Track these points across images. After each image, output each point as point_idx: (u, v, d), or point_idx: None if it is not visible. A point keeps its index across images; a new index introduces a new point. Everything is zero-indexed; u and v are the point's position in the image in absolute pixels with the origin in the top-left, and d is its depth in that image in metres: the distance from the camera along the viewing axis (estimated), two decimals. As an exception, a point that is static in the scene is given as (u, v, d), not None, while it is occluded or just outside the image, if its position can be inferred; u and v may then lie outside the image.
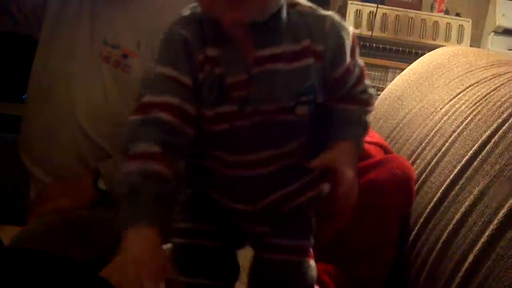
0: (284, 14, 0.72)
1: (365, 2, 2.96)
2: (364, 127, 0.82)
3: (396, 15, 2.89)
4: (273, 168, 0.76)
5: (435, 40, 2.85)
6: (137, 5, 1.20)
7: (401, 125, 1.26)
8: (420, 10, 2.94)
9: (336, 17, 0.76)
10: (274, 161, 0.76)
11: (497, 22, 2.91)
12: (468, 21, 2.91)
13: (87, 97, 1.18)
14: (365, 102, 0.81)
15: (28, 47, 1.32)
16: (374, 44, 2.87)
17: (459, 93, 1.10)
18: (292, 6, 0.74)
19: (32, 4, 1.27)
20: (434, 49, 1.44)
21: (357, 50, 0.78)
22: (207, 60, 0.71)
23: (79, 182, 1.16)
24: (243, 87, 0.71)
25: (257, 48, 0.70)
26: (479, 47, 2.93)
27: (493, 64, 1.11)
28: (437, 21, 2.90)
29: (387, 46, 2.87)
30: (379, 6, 2.89)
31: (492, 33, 2.96)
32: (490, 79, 1.04)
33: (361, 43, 2.89)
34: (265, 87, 0.71)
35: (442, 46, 1.52)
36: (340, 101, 0.80)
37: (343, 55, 0.74)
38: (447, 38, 2.87)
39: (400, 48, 2.84)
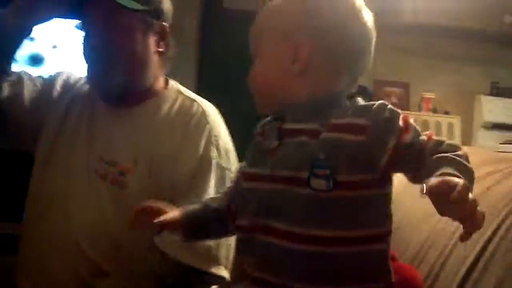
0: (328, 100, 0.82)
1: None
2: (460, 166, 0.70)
3: (386, 117, 2.95)
4: (301, 248, 0.76)
5: (426, 138, 2.90)
6: (134, 121, 1.23)
7: (401, 227, 1.24)
8: (408, 110, 3.01)
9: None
10: (299, 240, 0.76)
11: (484, 118, 2.99)
12: (457, 119, 2.98)
13: (84, 215, 1.17)
14: (447, 149, 0.74)
15: (27, 164, 1.32)
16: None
17: (454, 193, 1.09)
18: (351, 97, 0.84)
19: (30, 120, 1.28)
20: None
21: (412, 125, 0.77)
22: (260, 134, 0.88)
23: None
24: (273, 153, 0.81)
25: (288, 122, 0.83)
26: (470, 143, 2.98)
27: (485, 162, 1.12)
28: (426, 120, 2.97)
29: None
30: (368, 109, 2.96)
31: (482, 129, 3.02)
32: (485, 177, 1.04)
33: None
34: (284, 155, 0.80)
35: (433, 145, 1.54)
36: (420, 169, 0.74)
37: (389, 130, 0.76)
38: (437, 136, 2.91)
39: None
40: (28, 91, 1.29)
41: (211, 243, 1.15)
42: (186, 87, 1.35)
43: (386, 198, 0.81)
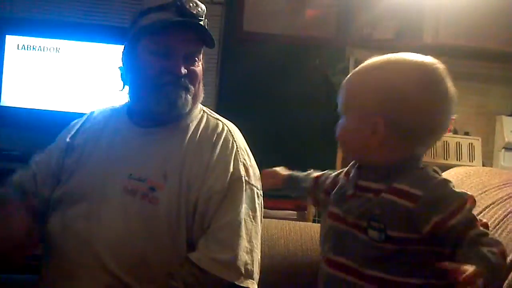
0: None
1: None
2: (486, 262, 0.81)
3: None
4: (359, 283, 0.92)
5: (446, 159, 2.88)
6: (164, 139, 1.25)
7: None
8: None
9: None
10: (358, 276, 0.93)
11: (506, 139, 2.95)
12: (478, 140, 2.95)
13: (111, 233, 1.18)
14: (487, 243, 0.84)
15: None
16: (386, 166, 2.90)
17: (477, 215, 1.09)
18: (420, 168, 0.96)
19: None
20: (446, 168, 1.45)
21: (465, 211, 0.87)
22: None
23: None
24: (347, 199, 0.99)
25: (363, 179, 0.99)
26: (491, 164, 2.94)
27: (507, 183, 1.11)
28: (447, 141, 2.94)
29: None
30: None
31: (503, 150, 2.98)
32: (506, 199, 1.03)
33: (374, 166, 2.92)
34: (354, 204, 0.97)
35: (454, 164, 1.54)
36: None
37: (438, 208, 0.87)
38: (458, 157, 2.89)
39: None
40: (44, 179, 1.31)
41: (247, 258, 1.18)
42: (206, 104, 1.40)
43: (439, 255, 0.89)
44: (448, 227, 0.86)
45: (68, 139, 1.33)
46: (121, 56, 1.30)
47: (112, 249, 1.17)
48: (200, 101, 1.31)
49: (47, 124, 2.48)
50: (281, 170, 1.32)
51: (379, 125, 0.93)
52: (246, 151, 1.30)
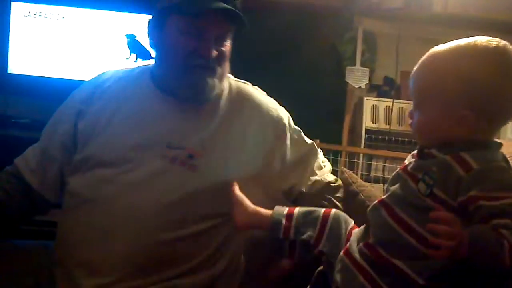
0: None
1: (380, 97, 3.03)
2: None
3: (413, 108, 2.94)
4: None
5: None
6: (200, 109, 1.26)
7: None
8: (435, 102, 2.99)
9: None
10: (388, 211, 1.00)
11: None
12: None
13: (147, 197, 1.18)
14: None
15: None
16: (393, 138, 2.91)
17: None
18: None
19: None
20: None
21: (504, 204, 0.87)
22: None
23: None
24: (415, 158, 1.03)
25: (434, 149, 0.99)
26: (499, 136, 2.94)
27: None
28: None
29: (406, 139, 2.89)
30: (395, 101, 2.95)
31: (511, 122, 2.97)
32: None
33: (380, 137, 2.93)
34: (420, 161, 1.01)
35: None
36: None
37: (482, 185, 0.89)
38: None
39: (419, 140, 2.87)
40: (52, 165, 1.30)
41: None
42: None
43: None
44: (479, 206, 0.87)
45: (79, 106, 1.30)
46: (147, 27, 1.28)
47: (152, 214, 1.17)
48: (225, 78, 1.31)
49: (55, 92, 2.49)
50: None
51: (468, 118, 0.93)
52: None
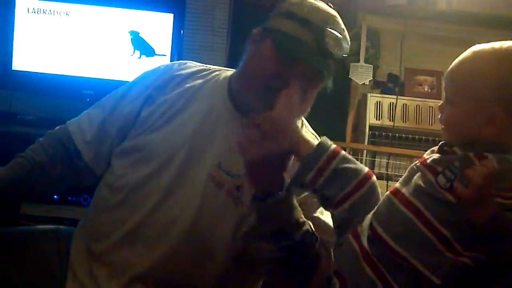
0: None
1: (384, 94, 3.03)
2: None
3: (417, 105, 2.94)
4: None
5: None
6: None
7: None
8: (439, 99, 2.98)
9: None
10: (402, 202, 0.97)
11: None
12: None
13: (181, 212, 1.15)
14: None
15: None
16: (396, 134, 2.90)
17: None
18: None
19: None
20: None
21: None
22: None
23: None
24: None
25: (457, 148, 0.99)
26: None
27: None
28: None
29: (410, 136, 2.89)
30: (399, 97, 2.95)
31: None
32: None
33: (384, 133, 2.92)
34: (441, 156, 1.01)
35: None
36: None
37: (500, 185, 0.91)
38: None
39: (423, 137, 2.86)
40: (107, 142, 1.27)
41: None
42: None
43: None
44: (494, 202, 0.88)
45: (150, 92, 1.24)
46: (252, 34, 1.21)
47: (186, 234, 1.14)
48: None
49: (59, 89, 2.50)
50: None
51: (498, 116, 0.94)
52: None
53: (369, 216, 1.00)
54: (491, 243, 0.88)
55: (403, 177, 1.04)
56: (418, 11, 2.83)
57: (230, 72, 1.27)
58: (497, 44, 0.98)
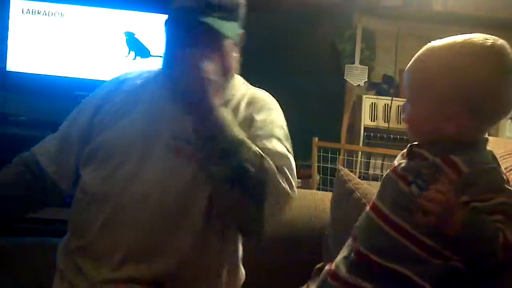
0: None
1: (379, 95, 3.03)
2: None
3: (411, 107, 2.94)
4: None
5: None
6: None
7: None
8: (434, 100, 2.99)
9: None
10: (382, 218, 0.99)
11: (512, 109, 2.94)
12: (484, 109, 2.94)
13: (150, 188, 1.19)
14: None
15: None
16: (391, 136, 2.91)
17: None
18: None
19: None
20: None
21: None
22: None
23: None
24: (404, 158, 1.04)
25: (424, 150, 0.99)
26: (497, 134, 2.94)
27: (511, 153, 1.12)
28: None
29: (404, 137, 2.89)
30: (394, 99, 2.95)
31: (510, 120, 2.98)
32: (510, 170, 1.04)
33: (378, 135, 2.93)
34: (407, 162, 1.02)
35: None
36: None
37: (472, 190, 0.90)
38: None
39: (418, 138, 2.87)
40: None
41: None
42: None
43: None
44: (472, 207, 0.88)
45: (98, 102, 1.33)
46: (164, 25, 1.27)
47: (155, 206, 1.18)
48: (234, 73, 1.31)
49: (53, 90, 2.49)
50: None
51: (460, 114, 0.92)
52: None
53: (340, 253, 1.04)
54: (470, 248, 0.88)
55: (378, 189, 1.04)
56: (414, 13, 2.84)
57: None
58: (451, 39, 0.97)
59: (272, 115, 1.30)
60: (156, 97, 1.30)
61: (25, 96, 2.57)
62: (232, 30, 1.22)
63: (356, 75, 2.95)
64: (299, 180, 2.79)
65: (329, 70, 3.09)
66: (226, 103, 1.24)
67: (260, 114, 1.27)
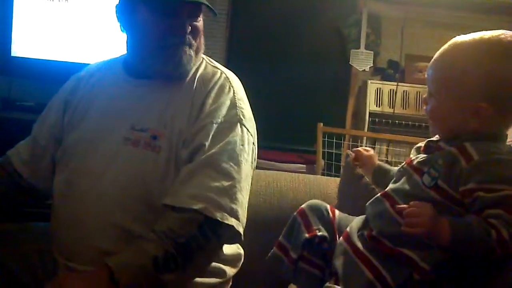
0: None
1: (384, 80, 3.02)
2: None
3: (417, 92, 2.93)
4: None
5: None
6: (161, 91, 1.25)
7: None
8: (440, 86, 2.98)
9: None
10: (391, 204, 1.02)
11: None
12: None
13: (113, 183, 1.19)
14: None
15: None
16: (396, 121, 2.90)
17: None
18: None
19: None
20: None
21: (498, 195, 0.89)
22: None
23: (95, 275, 1.06)
24: (421, 151, 1.08)
25: (442, 142, 1.02)
26: None
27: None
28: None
29: (410, 122, 2.89)
30: (399, 84, 2.94)
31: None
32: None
33: (384, 120, 2.92)
34: (423, 155, 1.05)
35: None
36: None
37: (482, 178, 0.92)
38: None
39: (423, 124, 2.86)
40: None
41: (227, 198, 1.15)
42: (216, 58, 1.38)
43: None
44: (476, 197, 0.89)
45: (66, 97, 1.34)
46: (115, 10, 1.30)
47: (117, 200, 1.19)
48: (201, 52, 1.30)
49: (58, 75, 2.49)
50: (375, 155, 1.33)
51: (486, 110, 0.94)
52: (243, 100, 1.29)
53: (358, 219, 1.08)
54: (464, 251, 0.90)
55: (393, 179, 1.07)
56: (419, -3, 2.81)
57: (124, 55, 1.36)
58: (477, 35, 0.97)
59: (221, 98, 1.25)
60: (114, 88, 1.30)
61: (31, 81, 2.57)
62: None
63: (361, 60, 2.94)
64: (304, 165, 2.80)
65: (334, 55, 3.08)
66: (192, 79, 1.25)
67: (209, 98, 1.24)
